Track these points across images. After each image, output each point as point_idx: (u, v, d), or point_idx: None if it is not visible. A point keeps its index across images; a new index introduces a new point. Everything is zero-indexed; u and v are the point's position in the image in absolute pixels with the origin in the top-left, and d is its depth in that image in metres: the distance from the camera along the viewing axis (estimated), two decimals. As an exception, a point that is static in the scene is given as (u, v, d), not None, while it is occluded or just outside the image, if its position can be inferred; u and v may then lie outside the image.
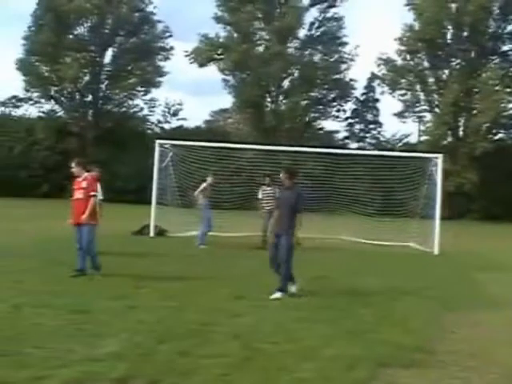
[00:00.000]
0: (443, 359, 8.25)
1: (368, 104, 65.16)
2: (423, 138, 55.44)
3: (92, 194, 13.80)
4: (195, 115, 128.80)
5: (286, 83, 57.33)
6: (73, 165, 14.11)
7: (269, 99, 57.74)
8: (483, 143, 46.79)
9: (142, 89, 58.92)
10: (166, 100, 61.20)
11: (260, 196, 22.45)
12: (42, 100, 57.53)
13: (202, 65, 55.68)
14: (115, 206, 40.86)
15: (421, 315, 11.02)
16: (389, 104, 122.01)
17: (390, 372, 7.64)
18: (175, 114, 60.90)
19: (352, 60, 57.41)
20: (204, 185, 22.09)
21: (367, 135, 65.09)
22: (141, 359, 7.58)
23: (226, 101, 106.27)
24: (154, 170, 24.63)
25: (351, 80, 58.93)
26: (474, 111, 49.12)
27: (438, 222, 23.08)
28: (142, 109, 60.26)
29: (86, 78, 57.01)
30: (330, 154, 30.34)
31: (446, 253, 21.93)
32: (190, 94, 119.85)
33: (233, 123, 73.91)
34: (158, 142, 25.31)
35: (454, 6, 49.21)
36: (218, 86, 73.15)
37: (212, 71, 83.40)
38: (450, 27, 50.69)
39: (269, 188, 22.15)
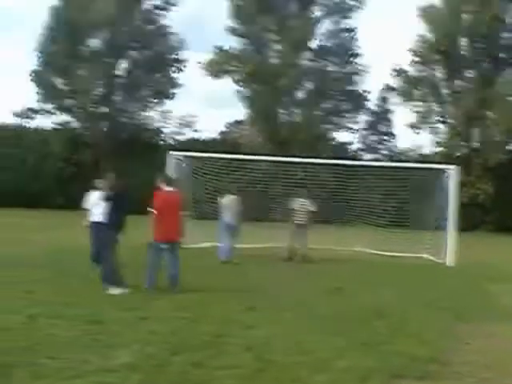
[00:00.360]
0: (458, 370, 8.22)
1: (381, 115, 65.07)
2: (437, 149, 55.40)
3: (150, 209, 14.11)
4: (210, 127, 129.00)
5: (299, 95, 57.37)
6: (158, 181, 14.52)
7: (282, 111, 57.77)
8: (497, 154, 46.65)
9: (156, 100, 59.02)
10: (180, 112, 61.06)
11: (295, 207, 22.34)
12: (57, 112, 57.69)
13: (216, 76, 55.82)
14: (131, 216, 40.82)
15: (435, 326, 11.00)
16: (402, 115, 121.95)
17: (404, 383, 7.63)
18: (189, 125, 60.90)
19: (365, 71, 57.50)
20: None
21: (381, 146, 64.98)
22: (154, 370, 7.60)
23: (242, 112, 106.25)
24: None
25: (364, 91, 58.89)
26: (488, 122, 49.02)
27: (451, 233, 23.00)
28: (156, 120, 60.37)
29: (100, 89, 57.18)
30: (343, 165, 30.27)
31: (460, 264, 21.85)
32: (206, 105, 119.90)
33: (247, 135, 73.92)
34: (171, 153, 25.32)
35: (467, 16, 49.19)
36: (234, 98, 73.60)
37: (227, 83, 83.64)
38: (463, 38, 50.68)
39: (302, 200, 22.14)
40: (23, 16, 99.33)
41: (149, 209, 14.13)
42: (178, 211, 14.22)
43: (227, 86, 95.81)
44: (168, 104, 60.16)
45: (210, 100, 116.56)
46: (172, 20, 59.86)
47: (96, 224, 15.73)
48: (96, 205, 16.01)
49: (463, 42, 50.98)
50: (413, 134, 55.75)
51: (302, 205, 22.12)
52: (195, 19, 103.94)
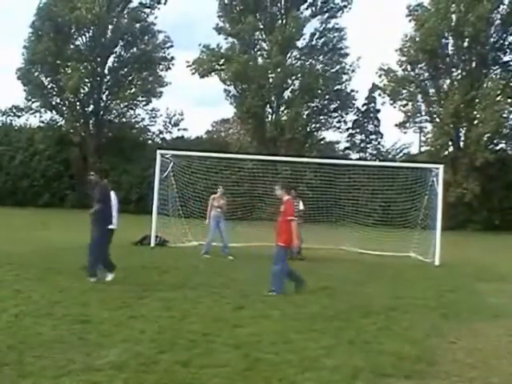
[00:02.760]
0: (445, 370, 8.23)
1: (369, 115, 65.12)
2: (424, 148, 55.46)
3: (289, 218, 14.12)
4: (197, 125, 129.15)
5: (287, 94, 57.28)
6: (276, 188, 14.71)
7: (270, 110, 57.68)
8: (484, 154, 46.67)
9: (143, 99, 58.85)
10: (167, 110, 60.80)
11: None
12: (43, 110, 57.49)
13: (203, 76, 55.62)
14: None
15: (422, 325, 11.01)
16: (390, 114, 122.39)
17: (391, 382, 7.64)
18: (176, 124, 60.74)
19: (353, 71, 57.33)
20: (213, 196, 22.06)
21: (368, 146, 65.09)
22: (141, 369, 7.58)
23: (229, 111, 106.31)
24: (155, 180, 24.55)
25: (352, 91, 58.80)
26: (475, 121, 49.04)
27: (438, 232, 22.98)
28: (143, 119, 60.25)
29: (87, 88, 56.96)
30: (330, 164, 30.26)
31: (447, 263, 21.87)
32: (193, 103, 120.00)
33: (234, 134, 73.88)
34: (159, 152, 25.20)
35: (454, 16, 49.18)
36: (221, 97, 73.36)
37: (215, 81, 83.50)
38: (450, 38, 50.68)
39: (293, 201, 22.18)
40: (9, 12, 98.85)
41: (290, 218, 14.15)
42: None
43: (215, 84, 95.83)
44: (155, 102, 60.11)
45: (197, 99, 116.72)
46: (160, 18, 59.66)
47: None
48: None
49: (450, 41, 51.02)
50: (400, 134, 55.77)
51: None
52: (184, 18, 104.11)
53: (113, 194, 15.53)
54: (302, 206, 22.23)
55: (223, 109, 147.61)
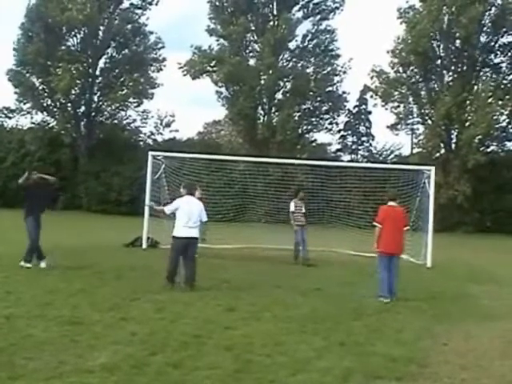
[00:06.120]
0: (436, 371, 8.24)
1: (361, 116, 65.23)
2: (416, 150, 55.50)
3: (374, 223, 14.53)
4: (189, 127, 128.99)
5: (278, 95, 57.27)
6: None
7: (261, 111, 57.66)
8: (475, 155, 46.73)
9: (135, 100, 58.65)
10: (158, 112, 60.69)
11: (292, 209, 22.36)
12: (34, 111, 57.28)
13: (195, 77, 55.57)
14: (109, 217, 40.75)
15: (413, 327, 11.02)
16: (382, 116, 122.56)
17: (383, 384, 7.65)
18: (168, 125, 60.67)
19: (345, 72, 57.35)
20: None
21: (360, 147, 65.23)
22: (133, 371, 7.57)
23: (221, 113, 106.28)
24: (147, 181, 24.46)
25: (344, 92, 58.81)
26: (467, 123, 49.09)
27: (430, 234, 22.98)
28: (134, 120, 60.11)
29: (79, 89, 56.72)
30: (322, 166, 30.25)
31: (439, 265, 21.87)
32: (185, 105, 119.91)
33: (225, 135, 73.87)
34: (150, 153, 25.14)
35: (446, 18, 49.24)
36: (212, 98, 73.36)
37: (207, 83, 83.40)
38: (442, 40, 50.74)
39: (299, 202, 22.26)
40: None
41: (374, 223, 14.47)
42: (400, 226, 14.71)
43: (207, 86, 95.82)
44: (147, 104, 59.99)
45: (189, 100, 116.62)
46: (151, 19, 59.47)
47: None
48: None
49: (441, 43, 51.08)
50: (392, 135, 55.71)
51: (298, 207, 22.26)
52: (176, 19, 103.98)
53: (199, 202, 15.33)
54: (303, 210, 22.43)
55: (215, 110, 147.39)
